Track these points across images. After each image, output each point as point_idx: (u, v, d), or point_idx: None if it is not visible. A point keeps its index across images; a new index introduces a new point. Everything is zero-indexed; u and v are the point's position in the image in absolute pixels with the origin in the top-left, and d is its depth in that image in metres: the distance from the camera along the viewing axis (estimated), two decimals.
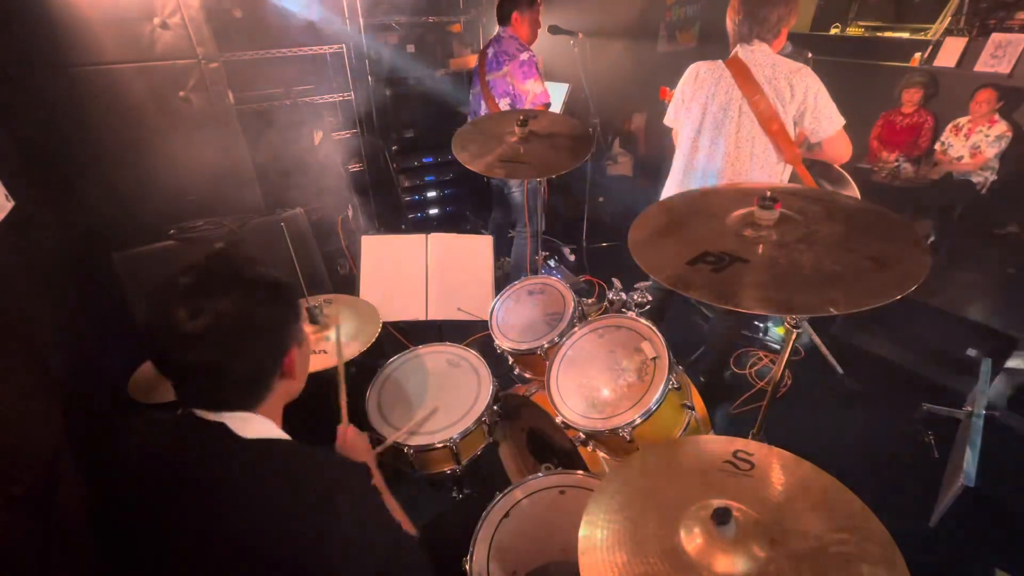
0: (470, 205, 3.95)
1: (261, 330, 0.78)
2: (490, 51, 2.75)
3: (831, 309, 0.91)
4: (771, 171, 1.89)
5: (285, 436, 0.84)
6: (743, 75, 1.80)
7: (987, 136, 3.38)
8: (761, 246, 1.06)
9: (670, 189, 2.13)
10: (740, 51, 1.84)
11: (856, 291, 0.93)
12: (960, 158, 3.50)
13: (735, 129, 1.87)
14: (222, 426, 0.77)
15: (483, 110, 2.84)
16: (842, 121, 1.79)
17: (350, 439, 1.17)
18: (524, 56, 2.64)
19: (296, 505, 0.73)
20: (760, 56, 1.80)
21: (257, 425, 0.80)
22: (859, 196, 2.18)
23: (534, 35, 2.79)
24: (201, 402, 0.79)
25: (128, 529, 0.78)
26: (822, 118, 1.77)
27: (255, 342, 0.77)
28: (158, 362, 0.76)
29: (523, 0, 2.68)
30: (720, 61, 1.89)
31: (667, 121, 2.12)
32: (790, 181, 1.98)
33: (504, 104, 2.72)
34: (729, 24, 1.88)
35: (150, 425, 0.84)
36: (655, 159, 4.56)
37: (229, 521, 0.72)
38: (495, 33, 2.79)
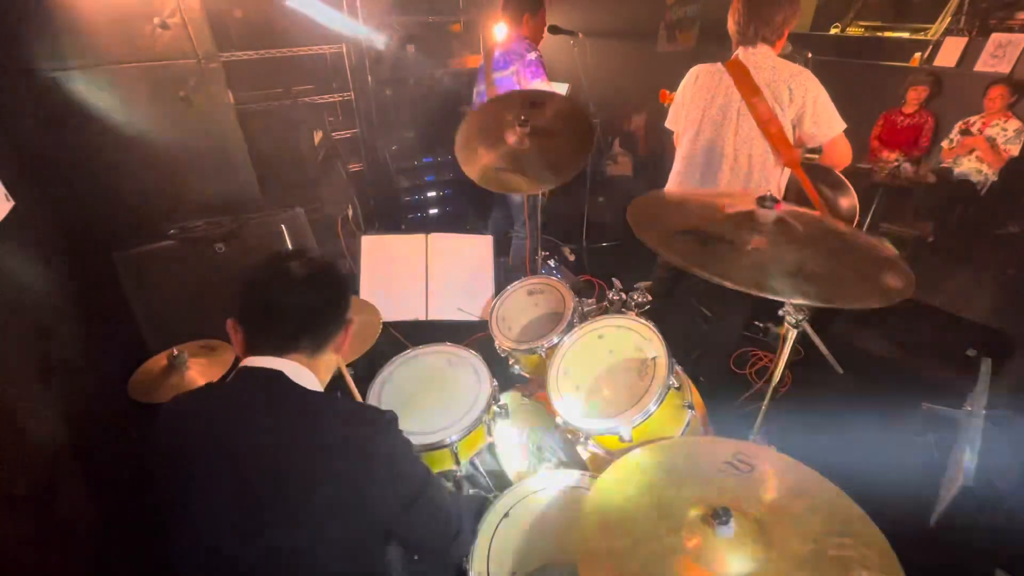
0: (470, 205, 3.95)
1: (343, 293, 1.00)
2: (497, 50, 2.76)
3: (799, 296, 0.94)
4: (769, 174, 1.89)
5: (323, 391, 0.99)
6: (742, 77, 1.78)
7: (1004, 130, 3.37)
8: (755, 239, 1.06)
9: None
10: (741, 53, 1.83)
11: (830, 290, 0.96)
12: (973, 150, 3.49)
13: (733, 131, 1.86)
14: (279, 373, 0.90)
15: None
16: (843, 125, 1.78)
17: None
18: (532, 56, 2.65)
19: (339, 441, 0.86)
20: (761, 59, 1.78)
21: (307, 378, 0.94)
22: (856, 203, 2.19)
23: (541, 35, 2.80)
24: (280, 342, 0.93)
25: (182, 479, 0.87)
26: (821, 122, 1.76)
27: (342, 297, 0.99)
28: (263, 308, 0.93)
29: (531, 3, 2.69)
30: (719, 64, 1.87)
31: (668, 124, 2.12)
32: (788, 184, 1.97)
33: None
34: (731, 26, 1.86)
35: (201, 391, 0.98)
36: (655, 159, 4.56)
37: (277, 457, 0.84)
38: (503, 32, 2.79)
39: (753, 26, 1.78)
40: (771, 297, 0.95)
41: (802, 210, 1.18)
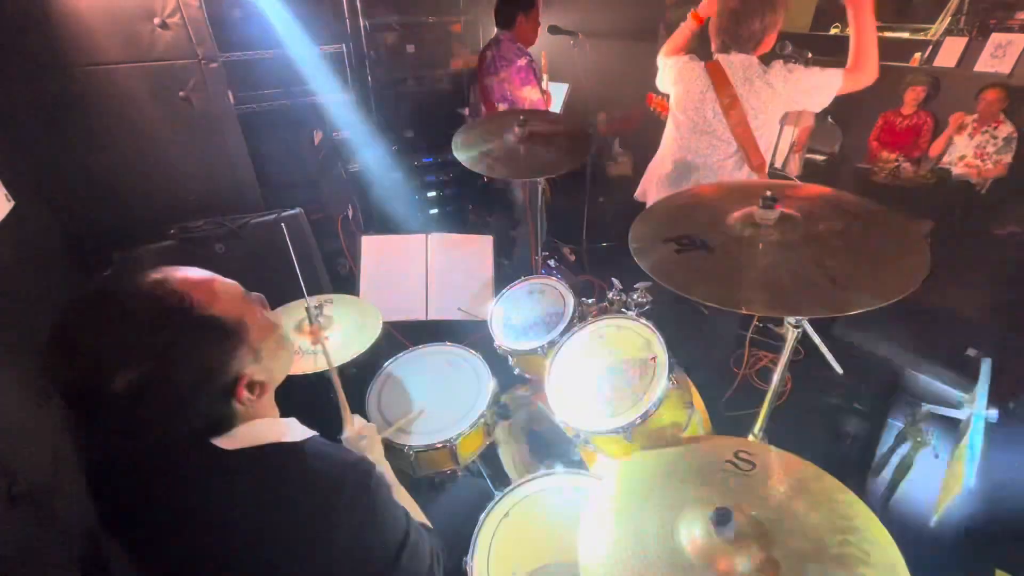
0: (470, 205, 3.95)
1: (173, 401, 0.67)
2: (488, 54, 2.74)
3: (743, 308, 0.93)
4: (737, 176, 1.93)
5: (279, 437, 0.78)
6: (720, 79, 1.82)
7: (994, 137, 3.36)
8: (760, 244, 1.06)
9: (650, 181, 2.22)
10: (719, 57, 1.87)
11: (785, 299, 0.94)
12: (963, 157, 3.49)
13: (710, 128, 1.90)
14: (203, 442, 0.73)
15: (483, 112, 2.84)
16: (840, 71, 1.71)
17: (357, 429, 1.14)
18: (521, 62, 2.63)
19: (288, 515, 0.70)
20: (738, 60, 1.82)
21: (243, 435, 0.75)
22: None
23: (534, 37, 2.78)
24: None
25: (127, 542, 0.77)
26: (820, 81, 1.72)
27: (164, 416, 0.67)
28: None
29: (525, 2, 2.67)
30: (702, 63, 1.91)
31: (659, 85, 2.13)
32: None
33: (503, 108, 2.72)
34: (711, 31, 1.90)
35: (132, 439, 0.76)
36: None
37: (219, 536, 0.70)
38: (494, 35, 2.78)
39: (721, 37, 1.84)
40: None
41: (792, 188, 1.18)
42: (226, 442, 0.74)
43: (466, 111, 3.78)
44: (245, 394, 0.73)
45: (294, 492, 0.72)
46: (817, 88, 1.75)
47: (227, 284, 0.77)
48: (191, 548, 0.72)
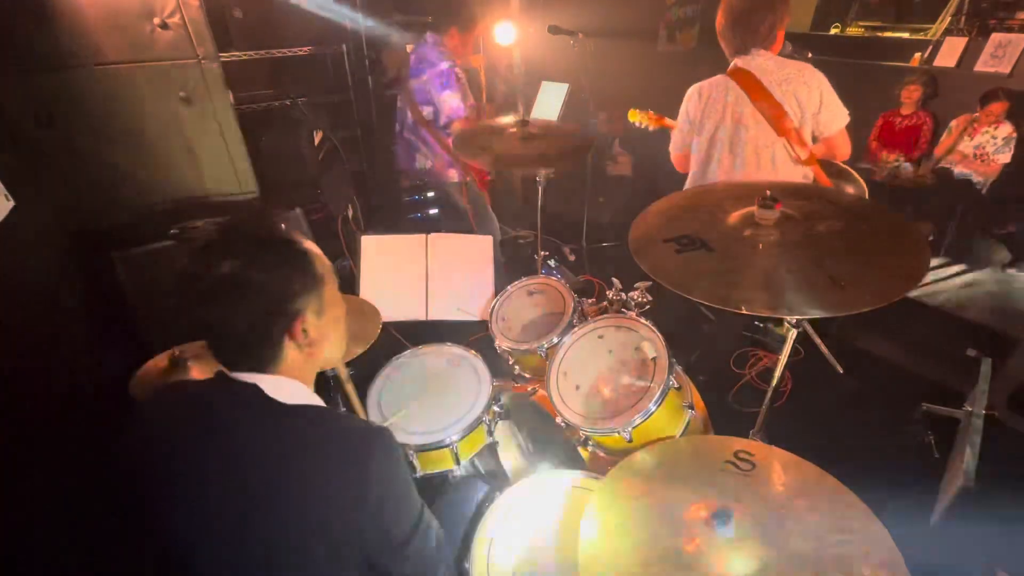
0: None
1: (253, 294, 0.78)
2: (413, 56, 2.67)
3: (743, 308, 0.94)
4: (791, 173, 1.89)
5: (316, 401, 0.87)
6: (750, 83, 1.79)
7: (993, 137, 3.35)
8: (761, 244, 1.06)
9: None
10: (740, 61, 1.83)
11: (785, 300, 0.95)
12: (963, 157, 3.48)
13: (753, 138, 1.85)
14: (254, 387, 0.80)
15: (409, 116, 2.77)
16: (848, 117, 1.80)
17: None
18: (444, 65, 2.55)
19: (328, 468, 0.77)
20: (763, 61, 1.79)
21: (288, 389, 0.83)
22: (865, 188, 2.24)
23: (464, 55, 2.70)
24: (225, 361, 0.83)
25: (153, 490, 0.82)
26: (836, 111, 1.78)
27: (245, 305, 0.78)
28: (187, 324, 0.81)
29: (463, 19, 2.60)
30: (720, 76, 1.87)
31: (676, 148, 2.07)
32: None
33: (427, 112, 2.66)
34: (721, 39, 1.87)
35: (178, 388, 0.90)
36: (655, 159, 4.55)
37: (259, 481, 0.76)
38: (423, 37, 2.70)
39: (741, 37, 1.81)
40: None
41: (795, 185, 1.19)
42: (269, 387, 0.81)
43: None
44: (300, 335, 0.82)
45: (332, 447, 0.78)
46: (832, 99, 1.77)
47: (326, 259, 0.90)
48: (227, 494, 0.77)
